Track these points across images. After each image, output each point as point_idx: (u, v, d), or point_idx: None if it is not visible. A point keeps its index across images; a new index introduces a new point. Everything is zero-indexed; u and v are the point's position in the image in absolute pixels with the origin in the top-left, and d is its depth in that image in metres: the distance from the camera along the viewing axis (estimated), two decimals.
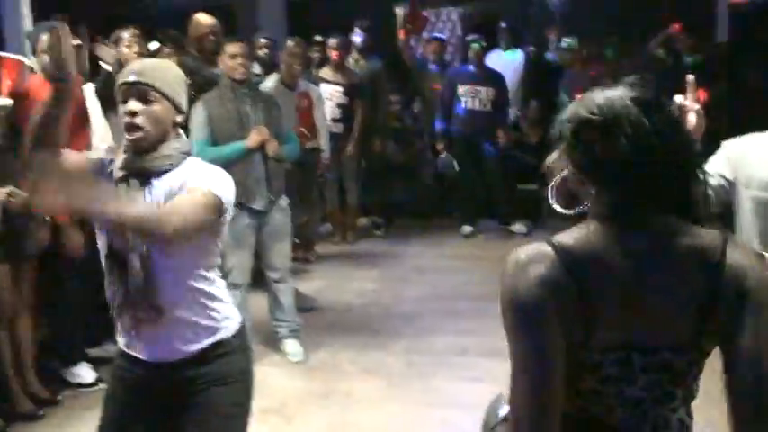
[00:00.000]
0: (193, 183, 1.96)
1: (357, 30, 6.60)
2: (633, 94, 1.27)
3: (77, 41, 4.06)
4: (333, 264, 6.07)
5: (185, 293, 2.00)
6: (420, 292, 5.24)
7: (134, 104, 1.97)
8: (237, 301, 3.09)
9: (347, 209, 6.56)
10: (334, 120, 6.03)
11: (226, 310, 2.10)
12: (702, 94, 5.56)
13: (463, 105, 6.37)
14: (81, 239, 3.70)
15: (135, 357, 2.06)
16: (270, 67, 5.65)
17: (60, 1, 6.12)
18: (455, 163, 6.54)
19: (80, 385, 3.86)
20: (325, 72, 6.09)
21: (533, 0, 8.75)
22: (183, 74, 2.10)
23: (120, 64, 3.88)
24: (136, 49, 3.90)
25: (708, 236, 1.29)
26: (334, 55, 6.07)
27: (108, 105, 3.89)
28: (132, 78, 1.98)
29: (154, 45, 4.73)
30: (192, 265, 2.00)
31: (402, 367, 4.10)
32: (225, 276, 2.47)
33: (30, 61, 4.04)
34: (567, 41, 6.74)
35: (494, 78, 6.45)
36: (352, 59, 6.55)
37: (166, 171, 1.99)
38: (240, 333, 2.13)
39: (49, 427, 3.55)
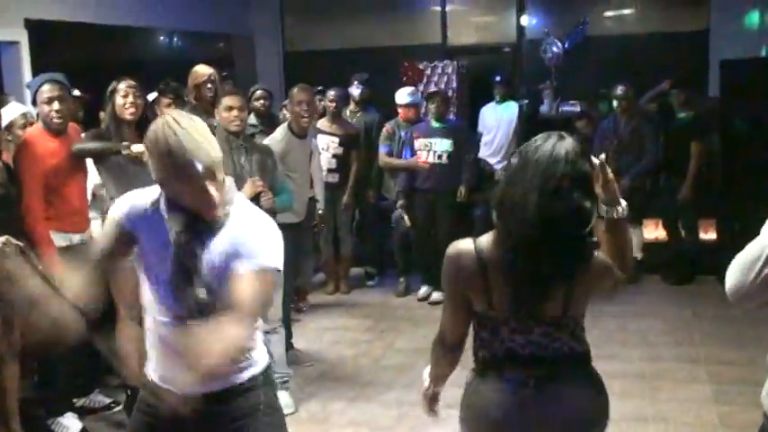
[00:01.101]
0: (245, 263, 1.99)
1: (356, 82, 6.70)
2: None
3: (77, 92, 4.13)
4: (325, 314, 6.05)
5: None
6: (412, 344, 5.21)
7: (213, 187, 1.98)
8: None
9: (341, 259, 6.56)
10: (330, 170, 6.07)
11: (258, 347, 2.19)
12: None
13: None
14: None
15: (167, 393, 2.09)
16: (266, 117, 5.71)
17: (57, 51, 6.24)
18: (405, 218, 6.27)
19: None
20: (322, 123, 6.15)
21: (527, 54, 8.91)
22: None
23: (115, 116, 3.89)
24: (131, 99, 3.89)
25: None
26: (330, 106, 6.15)
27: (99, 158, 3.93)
28: (202, 169, 1.95)
29: (152, 95, 4.79)
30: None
31: (392, 420, 4.06)
32: None
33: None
34: (621, 88, 6.36)
35: (450, 131, 6.21)
36: (350, 111, 6.63)
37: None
38: (267, 370, 2.22)
39: None
